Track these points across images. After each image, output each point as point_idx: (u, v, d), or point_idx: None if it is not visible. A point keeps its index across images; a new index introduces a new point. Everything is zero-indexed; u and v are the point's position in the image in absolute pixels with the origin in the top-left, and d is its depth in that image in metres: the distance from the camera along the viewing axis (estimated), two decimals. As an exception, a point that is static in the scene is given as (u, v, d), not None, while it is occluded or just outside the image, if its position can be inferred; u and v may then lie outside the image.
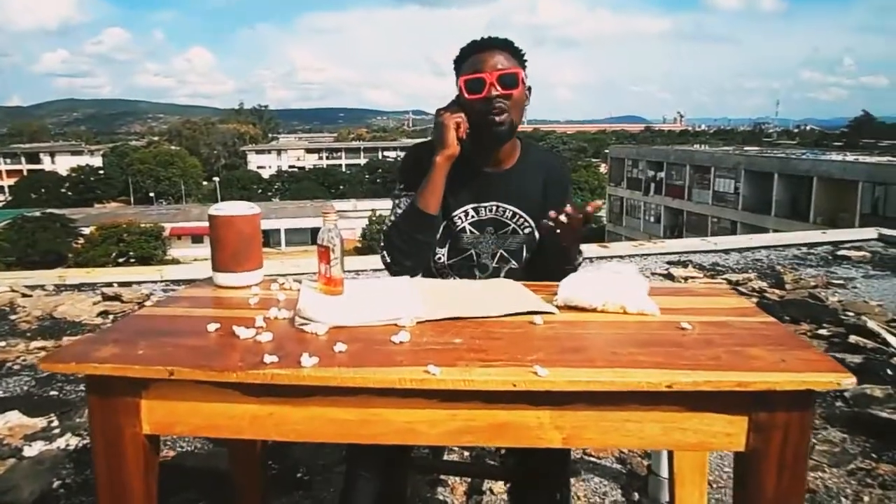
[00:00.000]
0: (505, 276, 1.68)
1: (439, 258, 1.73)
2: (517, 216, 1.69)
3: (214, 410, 1.06)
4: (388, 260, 1.63)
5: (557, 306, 1.31)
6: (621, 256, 5.61)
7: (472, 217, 1.69)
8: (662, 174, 36.10)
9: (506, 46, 1.61)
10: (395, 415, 1.04)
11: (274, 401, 1.05)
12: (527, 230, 1.70)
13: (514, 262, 1.72)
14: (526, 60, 1.65)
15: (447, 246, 1.71)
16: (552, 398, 1.00)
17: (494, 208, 1.69)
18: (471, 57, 1.61)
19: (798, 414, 0.99)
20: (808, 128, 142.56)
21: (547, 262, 1.67)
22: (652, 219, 36.98)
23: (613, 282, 1.32)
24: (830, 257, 5.63)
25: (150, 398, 1.07)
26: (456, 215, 1.68)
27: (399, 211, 1.68)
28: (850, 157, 30.06)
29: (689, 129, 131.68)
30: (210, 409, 1.06)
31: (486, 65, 1.57)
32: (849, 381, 0.96)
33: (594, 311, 1.29)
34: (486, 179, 1.68)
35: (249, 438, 1.58)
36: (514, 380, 0.98)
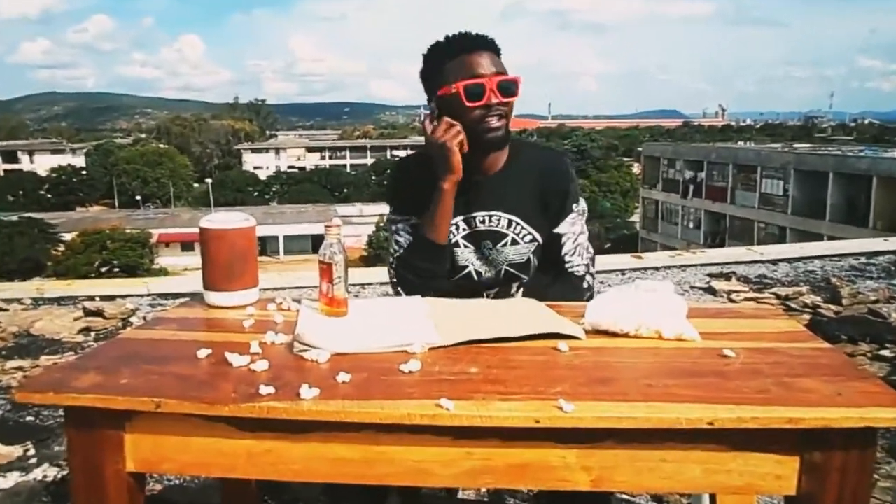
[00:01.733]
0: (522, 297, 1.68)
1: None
2: (514, 224, 1.68)
3: (205, 446, 1.07)
4: (403, 295, 1.65)
5: (585, 330, 1.30)
6: (657, 268, 5.58)
7: (464, 229, 1.70)
8: (702, 174, 35.95)
9: (493, 46, 1.64)
10: (405, 453, 1.04)
11: (270, 436, 1.05)
12: (527, 238, 1.69)
13: (522, 276, 1.72)
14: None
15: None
16: (579, 435, 1.00)
17: (487, 219, 1.68)
18: (460, 57, 1.61)
19: (857, 454, 0.98)
20: (866, 121, 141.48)
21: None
22: (691, 225, 36.81)
23: (647, 303, 1.31)
24: (893, 268, 5.57)
25: (134, 432, 1.07)
26: None
27: (399, 239, 1.69)
28: (914, 155, 29.80)
29: (732, 123, 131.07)
30: (200, 445, 1.07)
31: (484, 69, 1.58)
32: (916, 418, 0.94)
33: (626, 336, 1.28)
34: (475, 187, 1.67)
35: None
36: (536, 416, 0.98)
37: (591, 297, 1.56)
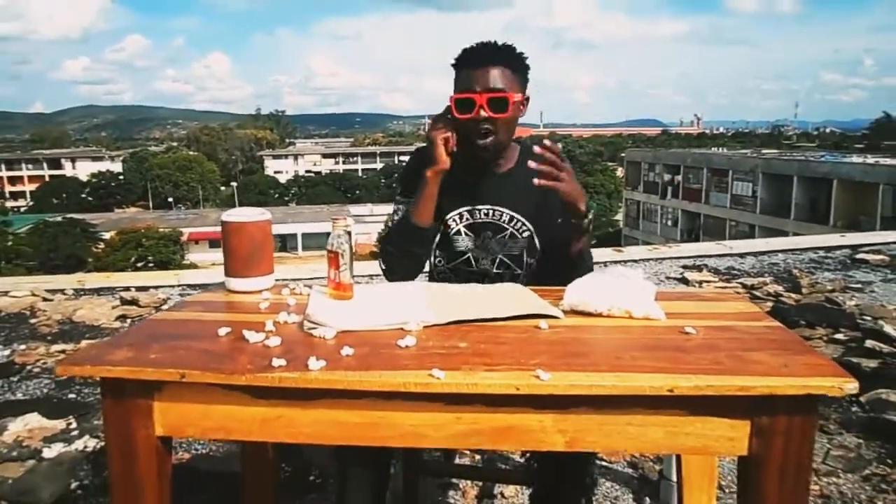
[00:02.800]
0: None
1: (439, 261, 1.74)
2: (514, 220, 1.68)
3: (225, 413, 1.09)
4: (384, 267, 1.67)
5: (563, 311, 1.32)
6: (636, 260, 5.59)
7: (467, 220, 1.70)
8: (679, 178, 35.90)
9: (504, 60, 1.60)
10: (402, 418, 1.06)
11: (283, 404, 1.07)
12: (525, 234, 1.69)
13: (516, 268, 1.71)
14: (528, 67, 1.66)
15: (444, 249, 1.72)
16: (555, 402, 1.02)
17: (490, 212, 1.69)
18: (465, 70, 1.61)
19: (800, 419, 1.00)
20: (828, 130, 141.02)
21: (558, 261, 1.63)
22: (669, 223, 36.76)
23: (620, 287, 1.33)
24: (849, 261, 5.57)
25: (162, 401, 1.09)
26: (450, 217, 1.69)
27: (397, 218, 1.70)
28: (870, 160, 29.72)
29: (707, 132, 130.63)
30: (220, 412, 1.09)
31: (479, 83, 1.57)
32: (852, 387, 0.96)
33: (600, 315, 1.30)
34: (482, 182, 1.68)
35: (259, 441, 1.61)
36: (516, 383, 0.99)
37: None
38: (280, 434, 1.09)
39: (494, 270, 1.71)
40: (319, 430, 1.08)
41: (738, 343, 1.14)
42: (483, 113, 1.57)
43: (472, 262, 1.72)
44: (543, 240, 1.71)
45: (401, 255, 1.64)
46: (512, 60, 1.62)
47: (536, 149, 1.47)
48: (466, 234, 1.71)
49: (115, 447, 1.12)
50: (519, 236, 1.70)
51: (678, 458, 1.53)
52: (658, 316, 1.28)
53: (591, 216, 1.56)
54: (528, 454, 1.88)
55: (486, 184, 1.69)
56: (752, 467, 1.02)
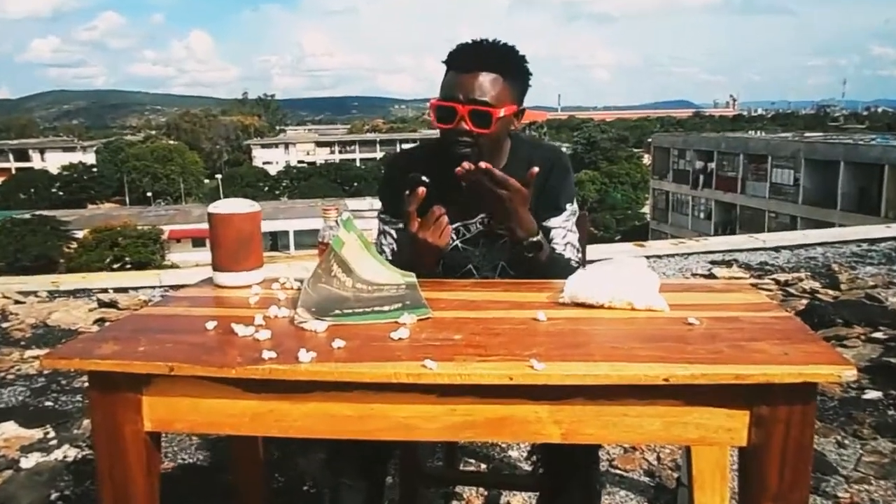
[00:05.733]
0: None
1: (438, 273, 1.80)
2: None
3: (214, 407, 1.18)
4: None
5: (563, 303, 1.41)
6: (660, 256, 5.66)
7: (463, 234, 1.73)
8: (713, 165, 35.81)
9: (497, 65, 1.60)
10: (394, 410, 1.15)
11: (273, 397, 1.16)
12: None
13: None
14: (528, 74, 1.67)
15: (442, 264, 1.72)
16: (550, 392, 1.10)
17: (486, 221, 1.70)
18: (452, 72, 1.62)
19: (800, 408, 1.08)
20: (879, 110, 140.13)
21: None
22: (701, 215, 36.70)
23: (622, 277, 1.41)
24: (894, 254, 5.63)
25: (150, 395, 1.19)
26: None
27: (384, 241, 1.74)
28: (927, 143, 29.59)
29: (744, 113, 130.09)
30: (210, 406, 1.18)
31: (462, 91, 1.58)
32: (850, 374, 1.04)
33: (601, 307, 1.38)
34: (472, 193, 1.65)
35: (250, 442, 1.71)
36: (510, 373, 1.08)
37: None
38: (271, 428, 1.19)
39: (495, 276, 1.76)
40: (310, 423, 1.17)
41: (741, 333, 1.22)
42: (464, 125, 1.58)
43: (474, 272, 1.76)
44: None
45: None
46: (507, 66, 1.62)
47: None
48: (464, 249, 1.75)
49: (102, 442, 1.21)
50: None
51: (688, 457, 1.62)
52: (661, 307, 1.36)
53: (535, 240, 1.61)
54: (533, 459, 1.98)
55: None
56: (752, 458, 1.11)
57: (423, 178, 1.55)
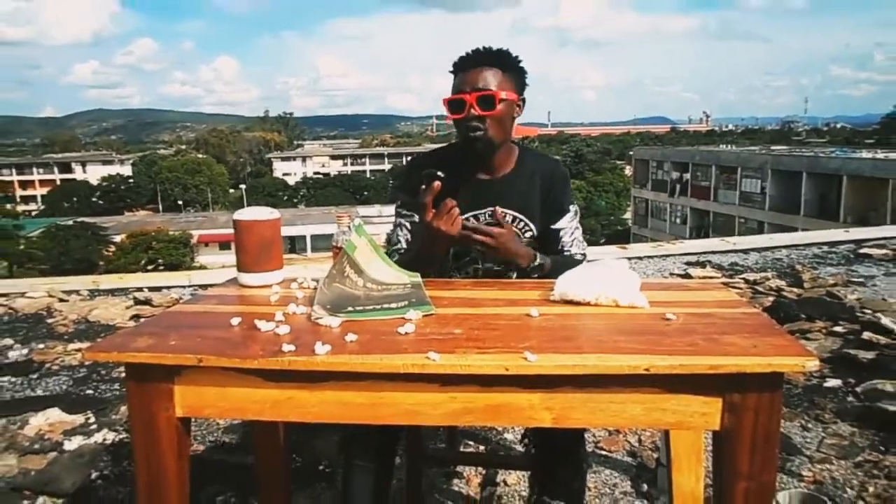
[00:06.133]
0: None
1: (447, 260, 1.83)
2: (517, 220, 1.75)
3: (239, 395, 1.18)
4: None
5: (554, 300, 1.41)
6: (640, 258, 5.66)
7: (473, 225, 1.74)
8: (688, 175, 35.87)
9: (495, 61, 1.68)
10: (401, 398, 1.15)
11: (292, 386, 1.16)
12: (527, 234, 1.76)
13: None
14: (523, 70, 1.73)
15: (450, 254, 1.77)
16: (542, 381, 1.10)
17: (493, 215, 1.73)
18: (459, 74, 1.70)
19: (768, 395, 1.08)
20: (838, 125, 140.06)
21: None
22: (678, 220, 36.72)
23: (607, 277, 1.41)
24: (852, 256, 5.62)
25: (181, 384, 1.19)
26: None
27: (400, 234, 1.79)
28: (880, 155, 29.58)
29: (716, 129, 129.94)
30: (235, 394, 1.18)
31: (469, 84, 1.66)
32: (813, 364, 1.04)
33: (588, 304, 1.38)
34: (483, 186, 1.75)
35: (271, 427, 1.71)
36: (506, 364, 1.08)
37: None
38: (290, 414, 1.19)
39: (495, 268, 1.78)
40: (326, 409, 1.17)
41: (714, 327, 1.22)
42: (473, 111, 1.65)
43: (480, 263, 1.79)
44: (543, 237, 1.80)
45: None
46: (504, 62, 1.70)
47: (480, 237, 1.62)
48: None
49: (138, 427, 1.21)
50: (522, 236, 1.76)
51: (667, 440, 1.61)
52: (642, 304, 1.36)
53: (537, 264, 1.68)
54: (525, 441, 1.98)
55: (486, 189, 1.74)
56: (724, 441, 1.11)
57: (439, 173, 1.60)
